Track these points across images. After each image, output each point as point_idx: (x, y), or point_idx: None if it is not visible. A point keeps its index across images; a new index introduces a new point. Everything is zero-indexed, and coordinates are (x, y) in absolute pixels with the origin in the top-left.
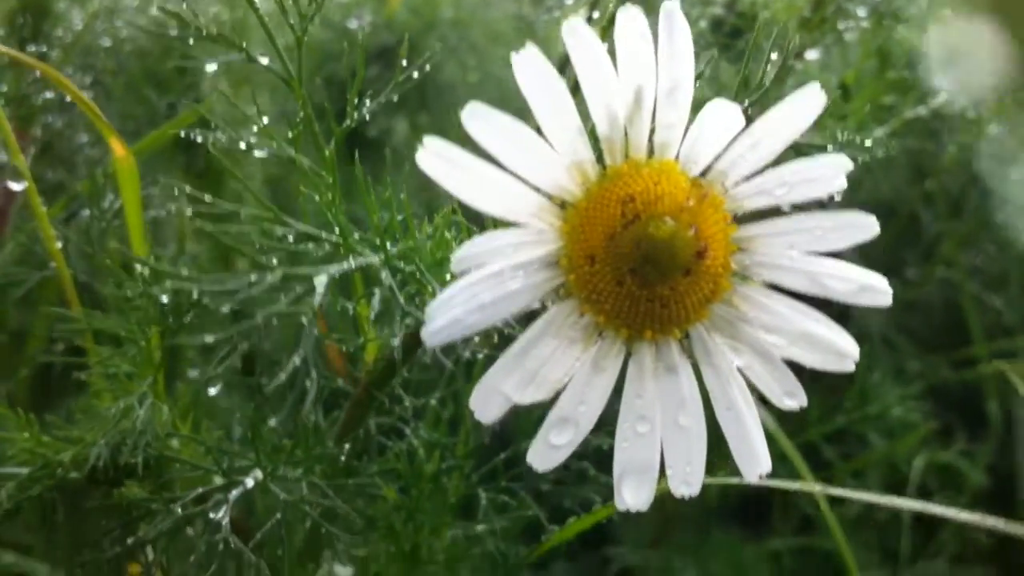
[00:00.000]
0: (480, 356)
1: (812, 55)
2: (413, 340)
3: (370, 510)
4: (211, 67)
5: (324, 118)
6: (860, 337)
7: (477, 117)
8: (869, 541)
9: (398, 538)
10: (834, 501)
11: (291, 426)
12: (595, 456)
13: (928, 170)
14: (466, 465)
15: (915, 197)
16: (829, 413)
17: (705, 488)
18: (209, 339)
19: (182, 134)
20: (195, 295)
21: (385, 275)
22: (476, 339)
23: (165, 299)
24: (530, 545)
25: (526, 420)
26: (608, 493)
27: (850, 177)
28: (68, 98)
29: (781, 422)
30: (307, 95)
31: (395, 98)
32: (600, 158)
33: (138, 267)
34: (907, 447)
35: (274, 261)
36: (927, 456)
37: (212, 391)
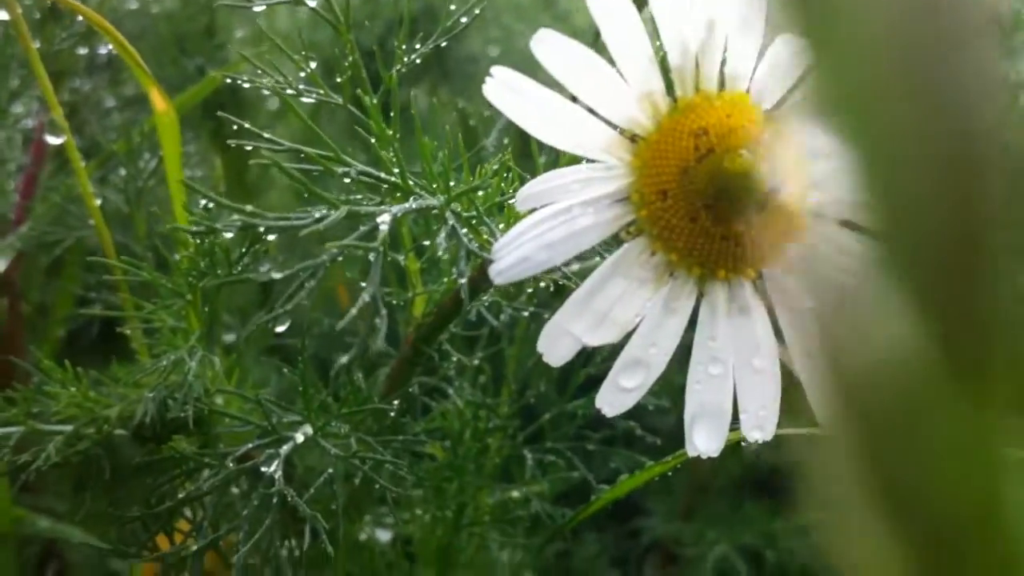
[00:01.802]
0: (525, 314)
1: None
2: (459, 296)
3: (415, 470)
4: (259, 8)
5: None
6: None
7: (546, 43)
8: None
9: (444, 499)
10: None
11: (336, 384)
12: (639, 415)
13: None
14: (510, 425)
15: None
16: None
17: (735, 456)
18: (277, 275)
19: (203, 107)
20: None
21: (449, 215)
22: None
23: (230, 235)
24: (574, 508)
25: (566, 382)
26: (655, 454)
27: None
28: (97, 59)
29: None
30: (354, 40)
31: (418, 61)
32: (669, 90)
33: (203, 201)
34: None
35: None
36: None
37: (279, 329)
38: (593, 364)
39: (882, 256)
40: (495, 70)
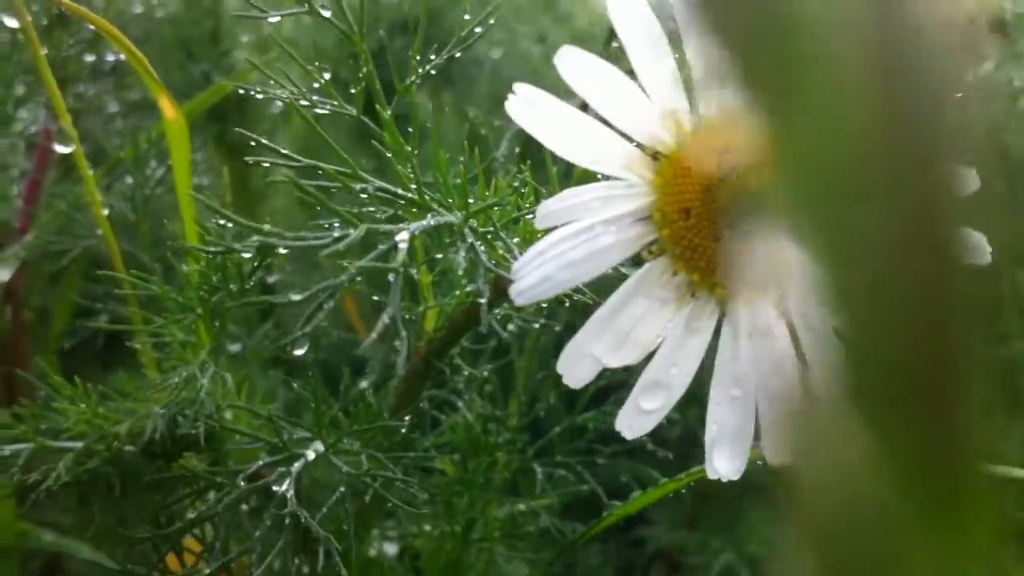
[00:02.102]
0: (535, 327)
1: None
2: (472, 310)
3: (425, 485)
4: (274, 19)
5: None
6: None
7: (569, 60)
8: None
9: (454, 514)
10: None
11: (345, 398)
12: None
13: None
14: (520, 439)
15: None
16: None
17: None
18: (296, 297)
19: (208, 111)
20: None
21: (467, 232)
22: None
23: (248, 255)
24: (581, 520)
25: (576, 395)
26: (666, 468)
27: None
28: (102, 64)
29: None
30: (366, 50)
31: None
32: (693, 106)
33: (219, 221)
34: None
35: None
36: None
37: (298, 352)
38: (603, 377)
39: (847, 376)
40: (518, 87)
